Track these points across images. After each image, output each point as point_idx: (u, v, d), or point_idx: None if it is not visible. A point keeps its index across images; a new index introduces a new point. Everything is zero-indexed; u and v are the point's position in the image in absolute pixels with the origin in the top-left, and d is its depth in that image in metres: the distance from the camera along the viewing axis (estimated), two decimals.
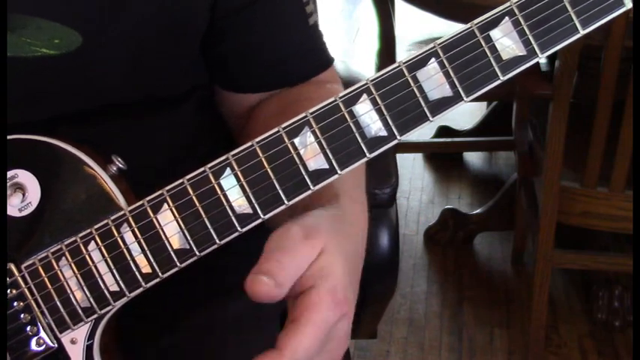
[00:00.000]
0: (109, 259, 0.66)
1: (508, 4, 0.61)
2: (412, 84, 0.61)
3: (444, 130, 2.83)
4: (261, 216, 0.64)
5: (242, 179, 0.63)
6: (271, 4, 0.81)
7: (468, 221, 2.46)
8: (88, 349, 0.69)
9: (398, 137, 0.63)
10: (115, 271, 0.66)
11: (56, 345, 0.68)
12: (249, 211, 0.64)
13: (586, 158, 1.76)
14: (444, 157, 2.83)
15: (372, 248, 0.93)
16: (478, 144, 2.75)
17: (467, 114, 2.87)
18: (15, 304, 0.68)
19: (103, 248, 0.65)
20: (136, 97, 0.80)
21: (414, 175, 2.76)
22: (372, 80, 0.61)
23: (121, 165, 0.69)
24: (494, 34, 0.61)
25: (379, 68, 2.41)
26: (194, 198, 0.64)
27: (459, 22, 1.95)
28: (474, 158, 2.89)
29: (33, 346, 0.68)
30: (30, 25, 0.71)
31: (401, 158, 2.70)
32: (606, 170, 1.75)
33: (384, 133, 0.63)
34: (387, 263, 0.95)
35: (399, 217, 1.48)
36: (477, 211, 2.48)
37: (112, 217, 0.65)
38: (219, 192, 0.63)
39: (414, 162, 2.83)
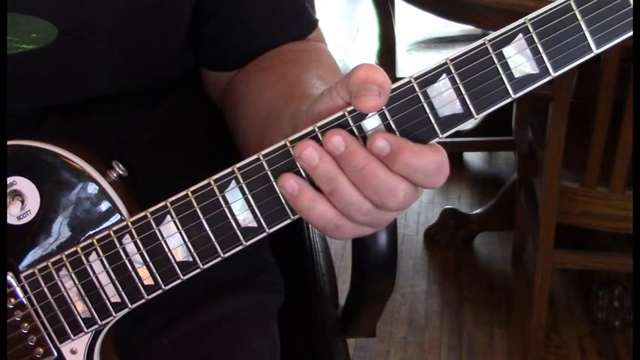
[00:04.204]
0: (110, 271, 0.65)
1: (522, 20, 0.59)
2: (422, 100, 0.60)
3: None
4: (266, 230, 0.63)
5: (247, 192, 0.62)
6: None
7: (468, 221, 2.45)
8: (89, 359, 0.68)
9: None
10: (116, 282, 0.65)
11: (56, 354, 0.68)
12: (254, 224, 0.63)
13: (586, 158, 1.75)
14: None
15: (371, 247, 0.93)
16: (478, 144, 2.75)
17: None
18: (15, 313, 0.67)
19: (104, 259, 0.65)
20: (126, 88, 0.80)
21: None
22: None
23: (121, 171, 0.68)
24: (507, 51, 0.59)
25: None
26: (198, 210, 0.63)
27: (459, 21, 1.95)
28: (474, 158, 2.89)
29: (33, 355, 0.68)
30: (7, 21, 0.71)
31: None
32: (606, 170, 1.75)
33: None
34: (385, 261, 0.95)
35: (399, 217, 1.48)
36: (477, 211, 2.48)
37: (114, 228, 0.65)
38: (223, 205, 0.63)
39: None
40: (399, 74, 2.31)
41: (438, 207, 2.55)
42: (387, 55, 2.30)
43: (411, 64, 2.43)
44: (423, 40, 2.59)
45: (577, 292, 2.23)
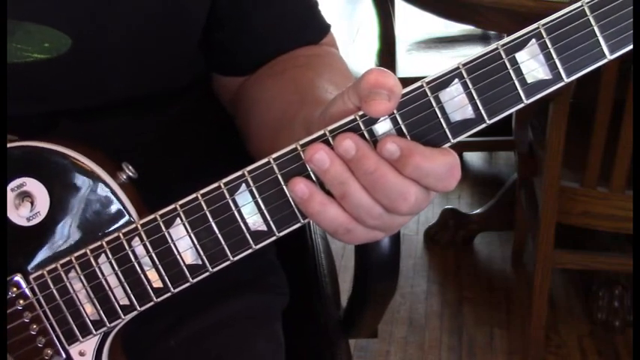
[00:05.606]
0: (119, 273, 0.65)
1: (535, 25, 0.59)
2: (434, 104, 0.60)
3: None
4: (276, 234, 0.63)
5: (257, 196, 0.62)
6: None
7: (468, 221, 2.45)
8: None
9: None
10: (125, 285, 0.65)
11: (65, 356, 0.68)
12: (264, 228, 0.63)
13: (586, 158, 1.75)
14: None
15: (374, 248, 0.93)
16: (478, 144, 2.75)
17: None
18: (24, 314, 0.67)
19: (113, 261, 0.65)
20: (139, 94, 0.80)
21: None
22: None
23: (131, 173, 0.68)
24: (520, 56, 0.59)
25: None
26: (208, 213, 0.63)
27: (459, 21, 1.95)
28: (474, 158, 2.90)
29: (42, 356, 0.68)
30: (18, 30, 0.71)
31: None
32: (606, 170, 1.75)
33: None
34: (388, 263, 0.95)
35: None
36: (477, 211, 2.48)
37: (124, 231, 0.65)
38: (233, 208, 0.63)
39: None
40: (399, 74, 2.31)
41: (438, 207, 2.54)
42: (387, 55, 2.30)
43: (411, 64, 2.43)
44: (423, 40, 2.59)
45: (577, 292, 2.23)
